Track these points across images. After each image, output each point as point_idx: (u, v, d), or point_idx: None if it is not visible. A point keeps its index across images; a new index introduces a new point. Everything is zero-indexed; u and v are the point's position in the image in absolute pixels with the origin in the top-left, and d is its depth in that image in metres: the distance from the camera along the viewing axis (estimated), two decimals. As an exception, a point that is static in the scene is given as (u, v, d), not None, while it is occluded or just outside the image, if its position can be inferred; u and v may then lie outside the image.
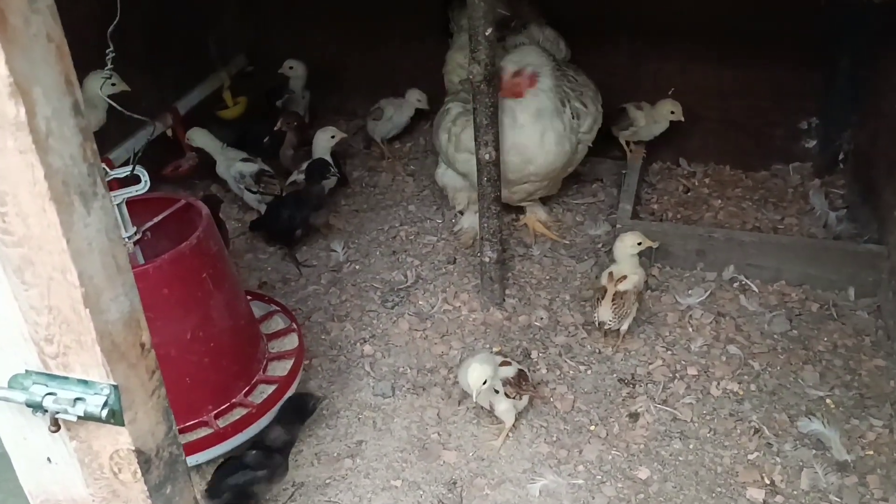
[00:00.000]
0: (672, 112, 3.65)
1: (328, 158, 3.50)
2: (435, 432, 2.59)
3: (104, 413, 1.04)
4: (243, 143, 3.72)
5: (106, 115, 3.02)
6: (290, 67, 3.97)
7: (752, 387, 2.68)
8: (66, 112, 0.91)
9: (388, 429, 2.61)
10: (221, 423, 2.35)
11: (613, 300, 2.76)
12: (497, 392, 2.47)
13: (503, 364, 2.53)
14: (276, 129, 3.65)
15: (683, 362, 2.80)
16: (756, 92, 3.76)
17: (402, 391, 2.74)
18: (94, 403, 1.03)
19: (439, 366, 2.84)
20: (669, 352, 2.85)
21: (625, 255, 2.85)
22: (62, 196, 0.91)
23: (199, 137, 3.61)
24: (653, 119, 3.71)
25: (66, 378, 1.05)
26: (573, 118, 3.17)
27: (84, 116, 0.94)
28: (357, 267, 3.37)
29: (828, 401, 2.61)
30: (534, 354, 2.86)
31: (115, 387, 1.04)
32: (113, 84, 2.88)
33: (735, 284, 3.12)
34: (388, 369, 2.83)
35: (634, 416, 2.61)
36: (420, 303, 3.13)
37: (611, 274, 2.83)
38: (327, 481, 2.44)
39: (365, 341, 2.96)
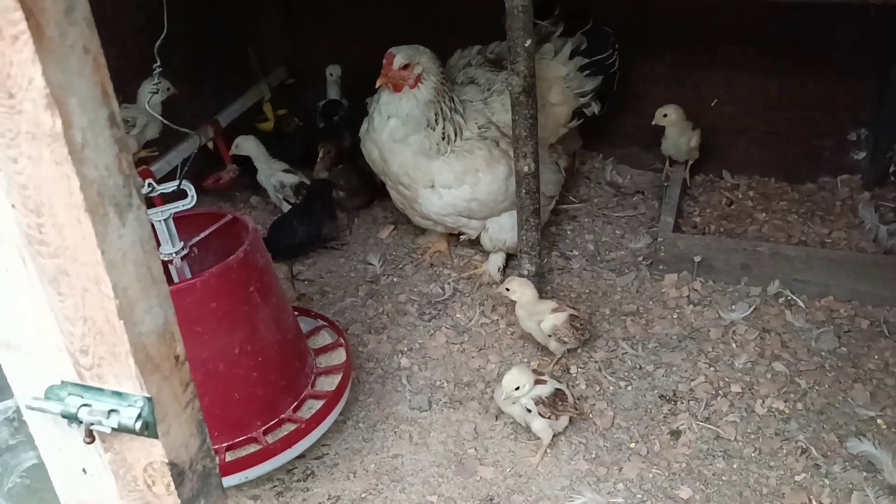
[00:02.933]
0: (665, 115, 3.56)
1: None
2: (472, 447, 2.56)
3: (138, 425, 1.03)
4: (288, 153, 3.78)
5: (161, 121, 3.09)
6: (331, 74, 4.04)
7: (799, 405, 2.60)
8: (102, 123, 0.90)
9: (424, 443, 2.58)
10: (270, 438, 2.33)
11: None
12: (530, 411, 2.42)
13: (538, 382, 2.47)
14: (319, 158, 3.70)
15: (727, 379, 2.73)
16: (803, 102, 3.68)
17: (438, 405, 2.72)
18: (128, 415, 1.03)
19: (476, 380, 2.81)
20: (712, 368, 2.78)
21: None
22: (97, 207, 0.90)
23: (247, 144, 3.64)
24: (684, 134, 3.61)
25: (100, 389, 1.04)
26: (443, 138, 3.00)
27: (120, 127, 0.93)
28: (394, 279, 3.36)
29: (879, 421, 2.52)
30: (573, 370, 2.81)
31: (149, 399, 1.03)
32: (166, 90, 2.99)
33: (780, 300, 3.04)
34: (425, 382, 2.81)
35: (676, 434, 2.55)
36: (457, 315, 3.11)
37: None
38: (363, 495, 2.42)
39: (402, 354, 2.94)
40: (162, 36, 2.04)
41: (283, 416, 2.40)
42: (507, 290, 2.79)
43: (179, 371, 1.11)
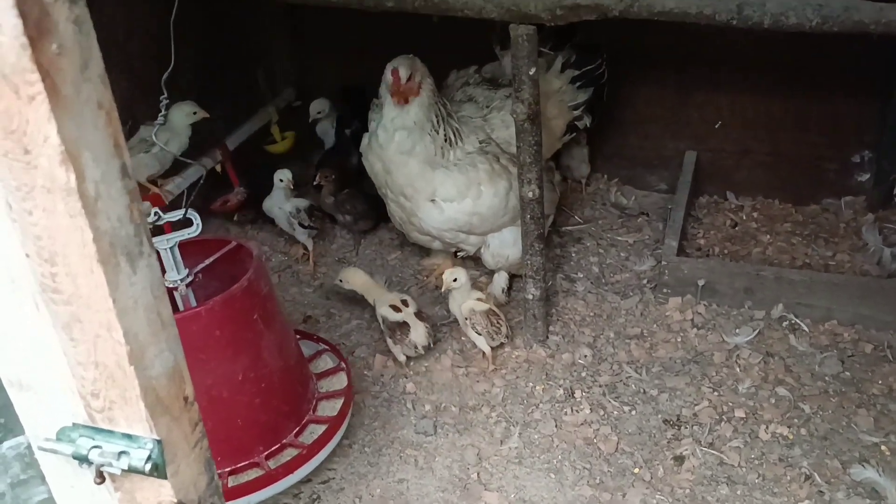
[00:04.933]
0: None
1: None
2: (475, 472, 2.57)
3: (147, 467, 1.05)
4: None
5: (188, 140, 3.19)
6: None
7: (803, 431, 2.61)
8: (115, 175, 0.93)
9: (429, 468, 2.59)
10: (272, 464, 2.35)
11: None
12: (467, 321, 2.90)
13: (479, 300, 2.92)
14: (314, 183, 3.71)
15: (731, 404, 2.74)
16: (807, 124, 3.69)
17: (443, 429, 2.73)
18: (138, 457, 1.05)
19: (481, 404, 2.82)
20: (716, 392, 2.79)
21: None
22: (109, 257, 0.93)
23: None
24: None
25: (111, 432, 1.06)
26: (445, 140, 3.04)
27: (132, 178, 0.96)
28: (400, 301, 3.37)
29: (883, 448, 2.52)
30: (577, 394, 2.82)
31: (159, 441, 1.05)
32: (192, 113, 3.12)
33: (784, 323, 3.05)
34: (431, 407, 2.82)
35: (680, 460, 2.56)
36: (463, 338, 3.12)
37: None
38: (368, 520, 2.43)
39: (407, 378, 2.96)
40: (169, 69, 2.07)
41: (285, 441, 2.43)
42: (454, 280, 2.96)
43: (188, 411, 1.13)
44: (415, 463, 2.61)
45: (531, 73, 2.55)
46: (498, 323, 2.95)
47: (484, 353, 2.96)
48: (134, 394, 1.01)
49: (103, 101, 0.91)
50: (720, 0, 2.31)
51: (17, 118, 0.83)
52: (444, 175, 3.05)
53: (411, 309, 2.99)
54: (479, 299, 2.97)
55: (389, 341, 2.98)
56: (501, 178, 3.10)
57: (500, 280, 3.32)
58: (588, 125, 3.58)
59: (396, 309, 2.98)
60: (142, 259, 0.98)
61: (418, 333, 2.93)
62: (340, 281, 3.17)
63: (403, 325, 2.93)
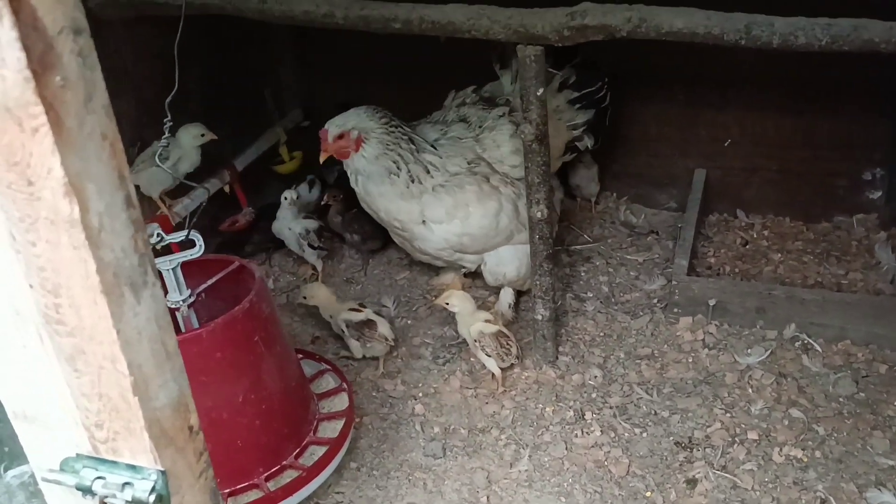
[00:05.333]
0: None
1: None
2: (485, 496, 2.54)
3: (151, 498, 1.03)
4: None
5: (199, 159, 3.18)
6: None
7: (818, 453, 2.57)
8: (119, 206, 0.92)
9: (439, 491, 2.57)
10: (272, 485, 2.34)
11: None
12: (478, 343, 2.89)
13: (487, 321, 2.92)
14: (322, 203, 3.73)
15: (743, 425, 2.70)
16: (817, 141, 3.67)
17: (453, 452, 2.71)
18: (142, 489, 1.04)
19: (491, 426, 2.80)
20: (728, 414, 2.76)
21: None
22: (113, 288, 0.92)
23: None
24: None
25: (115, 462, 1.05)
26: (412, 180, 3.02)
27: (136, 208, 0.95)
28: (409, 322, 3.36)
29: (899, 470, 2.49)
30: (588, 415, 2.80)
31: (163, 472, 1.04)
32: (202, 135, 3.12)
33: (797, 343, 3.01)
34: (440, 429, 2.80)
35: (692, 483, 2.52)
36: (472, 359, 3.10)
37: None
38: (377, 545, 2.41)
39: (416, 399, 2.94)
40: (172, 92, 2.08)
41: (285, 462, 2.42)
42: (447, 304, 3.00)
43: (193, 441, 1.12)
44: (424, 486, 2.59)
45: (539, 93, 2.54)
46: (508, 344, 2.93)
47: (494, 374, 2.94)
48: (138, 425, 1.00)
49: (107, 132, 0.90)
50: (728, 20, 2.31)
51: (20, 151, 0.83)
52: (431, 198, 3.05)
53: (370, 309, 3.12)
54: (487, 321, 2.95)
55: (356, 343, 3.05)
56: (491, 199, 3.10)
57: (506, 296, 3.31)
58: (590, 147, 3.56)
59: (356, 311, 3.05)
60: (146, 289, 0.98)
61: (385, 327, 3.04)
62: (304, 298, 3.21)
63: (370, 323, 3.01)
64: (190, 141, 3.08)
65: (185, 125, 3.07)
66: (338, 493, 2.57)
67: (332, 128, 2.98)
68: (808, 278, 3.40)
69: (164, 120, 2.17)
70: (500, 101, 3.37)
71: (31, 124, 0.81)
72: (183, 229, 2.49)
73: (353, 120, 3.00)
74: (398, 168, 3.01)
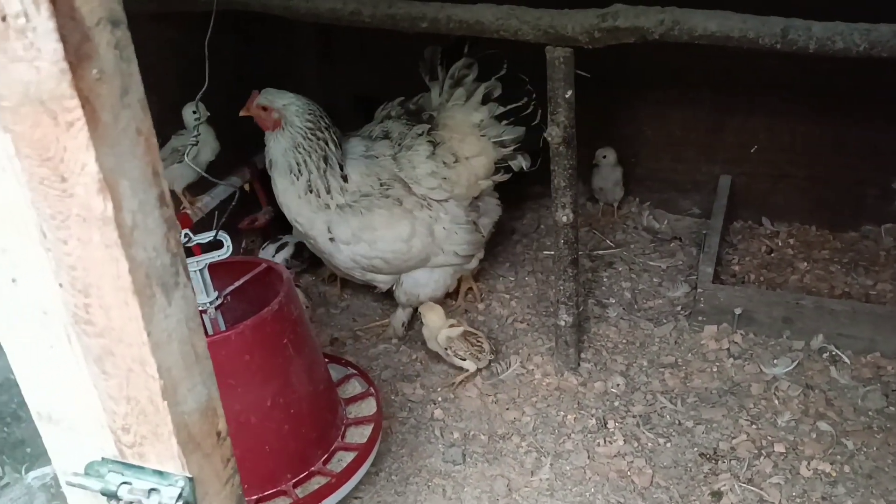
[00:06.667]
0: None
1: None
2: (505, 503, 2.50)
3: (177, 505, 1.01)
4: None
5: (218, 144, 3.14)
6: None
7: (846, 468, 2.51)
8: (152, 204, 0.89)
9: (458, 498, 2.53)
10: (300, 492, 2.29)
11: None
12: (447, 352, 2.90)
13: (452, 326, 2.92)
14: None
15: (770, 438, 2.65)
16: (846, 149, 3.61)
17: (472, 458, 2.67)
18: (169, 495, 1.01)
19: (511, 432, 2.76)
20: (754, 426, 2.70)
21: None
22: (144, 289, 0.89)
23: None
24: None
25: (141, 468, 1.02)
26: (310, 190, 2.93)
27: (170, 206, 0.93)
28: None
29: (931, 487, 2.43)
30: (610, 424, 2.75)
31: (191, 479, 1.01)
32: (194, 112, 2.94)
33: (825, 355, 2.96)
34: (459, 435, 2.77)
35: (717, 496, 2.47)
36: (492, 365, 3.06)
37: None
38: (395, 551, 2.38)
39: (436, 404, 2.90)
40: (203, 87, 2.06)
41: (313, 468, 2.36)
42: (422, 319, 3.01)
43: (221, 447, 1.08)
44: (443, 493, 2.55)
45: (567, 95, 2.50)
46: (478, 342, 2.93)
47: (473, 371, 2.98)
48: (166, 430, 0.98)
49: (142, 127, 0.87)
50: (764, 24, 2.26)
51: (53, 145, 0.80)
52: (337, 217, 2.96)
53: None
54: (451, 325, 2.95)
55: (468, 359, 2.94)
56: (401, 223, 3.00)
57: (403, 315, 3.27)
58: (525, 168, 3.29)
59: (454, 326, 2.99)
60: (177, 290, 0.95)
61: (485, 340, 3.00)
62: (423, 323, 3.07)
63: (471, 335, 2.96)
64: (191, 122, 3.00)
65: (185, 105, 3.03)
66: (356, 498, 2.54)
67: (263, 98, 2.91)
68: (836, 288, 3.34)
69: (195, 116, 2.14)
70: (424, 115, 3.20)
71: (66, 118, 0.79)
72: (206, 230, 2.46)
73: (283, 102, 2.91)
74: (299, 171, 2.92)
